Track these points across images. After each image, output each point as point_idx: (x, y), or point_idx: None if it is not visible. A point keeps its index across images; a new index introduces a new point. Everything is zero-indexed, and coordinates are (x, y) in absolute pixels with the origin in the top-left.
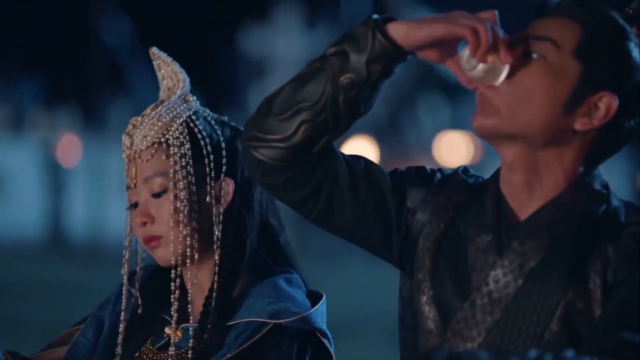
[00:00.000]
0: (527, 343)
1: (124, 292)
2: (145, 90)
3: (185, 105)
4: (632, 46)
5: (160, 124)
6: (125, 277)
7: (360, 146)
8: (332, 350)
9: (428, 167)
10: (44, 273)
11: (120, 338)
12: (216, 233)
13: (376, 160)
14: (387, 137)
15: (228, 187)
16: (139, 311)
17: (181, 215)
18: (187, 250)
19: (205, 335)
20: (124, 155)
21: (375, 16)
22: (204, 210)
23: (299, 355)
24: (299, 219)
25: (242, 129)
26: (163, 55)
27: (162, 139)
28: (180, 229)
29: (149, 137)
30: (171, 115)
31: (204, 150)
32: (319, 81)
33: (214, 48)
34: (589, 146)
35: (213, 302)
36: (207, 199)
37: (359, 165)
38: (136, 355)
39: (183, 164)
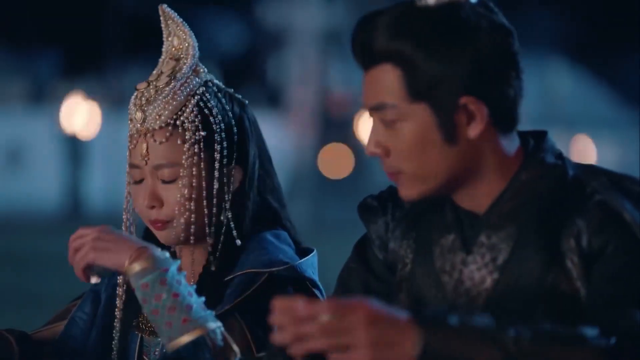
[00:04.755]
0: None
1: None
2: None
3: (197, 79)
4: (441, 38)
5: (175, 102)
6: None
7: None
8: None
9: (375, 193)
10: (62, 245)
11: (120, 303)
12: (222, 218)
13: None
14: None
15: (238, 174)
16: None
17: (190, 202)
18: (191, 233)
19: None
20: (132, 127)
21: None
22: (211, 196)
23: None
24: (316, 192)
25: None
26: (173, 14)
27: (177, 121)
28: (188, 215)
29: (163, 117)
30: (185, 92)
31: (217, 137)
32: None
33: (231, 19)
34: (496, 128)
35: (211, 272)
36: (217, 186)
37: None
38: (133, 324)
39: (196, 150)
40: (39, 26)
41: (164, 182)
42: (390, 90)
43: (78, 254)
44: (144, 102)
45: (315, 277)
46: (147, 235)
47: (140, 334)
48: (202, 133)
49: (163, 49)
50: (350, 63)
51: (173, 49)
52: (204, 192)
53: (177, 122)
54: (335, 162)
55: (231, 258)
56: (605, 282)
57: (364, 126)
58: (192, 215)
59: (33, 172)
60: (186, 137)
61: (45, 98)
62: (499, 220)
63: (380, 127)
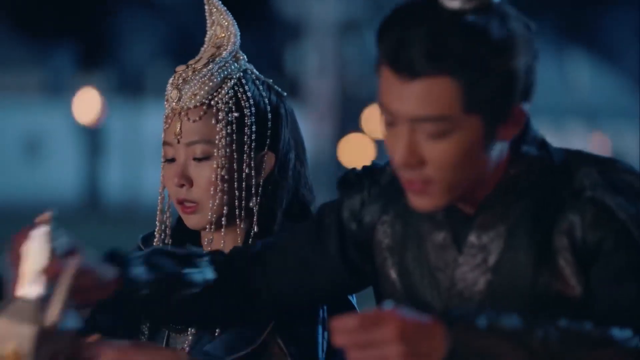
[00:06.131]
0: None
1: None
2: (183, 52)
3: (236, 64)
4: (496, 47)
5: (211, 84)
6: (156, 236)
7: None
8: (354, 301)
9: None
10: (80, 236)
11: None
12: (251, 204)
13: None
14: None
15: (270, 160)
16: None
17: (221, 183)
18: (222, 218)
19: None
20: (167, 107)
21: None
22: (242, 180)
23: None
24: (332, 184)
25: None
26: (218, 3)
27: (211, 101)
28: (218, 197)
29: (198, 97)
30: (222, 75)
31: (249, 120)
32: None
33: (249, 10)
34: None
35: None
36: (247, 170)
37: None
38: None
39: (229, 131)
40: (56, 17)
41: (196, 159)
42: (448, 102)
43: None
44: (180, 81)
45: None
46: (180, 225)
47: (167, 331)
48: (235, 114)
49: (206, 38)
50: (367, 53)
51: (216, 37)
52: (235, 174)
53: (212, 102)
54: (355, 152)
55: None
56: (609, 283)
57: (371, 118)
58: (225, 197)
59: (51, 163)
60: (219, 117)
61: (62, 89)
62: (489, 220)
63: (420, 137)
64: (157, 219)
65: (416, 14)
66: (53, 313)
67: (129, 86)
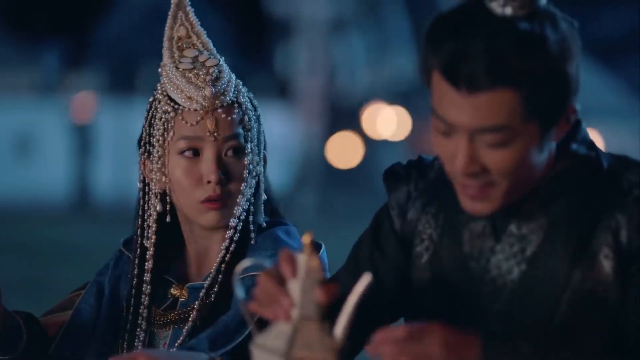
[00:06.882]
0: (537, 329)
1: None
2: None
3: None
4: (553, 54)
5: (233, 83)
6: (153, 227)
7: (389, 113)
8: None
9: (404, 162)
10: (70, 235)
11: (145, 300)
12: (252, 199)
13: (407, 126)
14: (416, 103)
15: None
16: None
17: (250, 178)
18: (244, 213)
19: (212, 292)
20: (192, 104)
21: None
22: (261, 175)
23: None
24: (324, 181)
25: None
26: (185, 2)
27: (238, 99)
28: (247, 192)
29: (228, 95)
30: (231, 75)
31: (261, 119)
32: None
33: (239, 9)
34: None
35: (225, 262)
36: (262, 166)
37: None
38: (144, 316)
39: (256, 128)
40: (46, 16)
41: (232, 155)
42: (509, 113)
43: None
44: (210, 79)
45: (326, 275)
46: (162, 224)
47: (149, 327)
48: (258, 112)
49: (165, 37)
50: (355, 53)
51: (179, 40)
52: (260, 168)
53: (239, 100)
54: (344, 152)
55: (244, 251)
56: None
57: (371, 118)
58: (251, 191)
59: (42, 162)
60: (250, 115)
61: (54, 89)
62: (531, 211)
63: (479, 146)
64: (152, 218)
65: (469, 23)
66: (340, 333)
67: (119, 85)
